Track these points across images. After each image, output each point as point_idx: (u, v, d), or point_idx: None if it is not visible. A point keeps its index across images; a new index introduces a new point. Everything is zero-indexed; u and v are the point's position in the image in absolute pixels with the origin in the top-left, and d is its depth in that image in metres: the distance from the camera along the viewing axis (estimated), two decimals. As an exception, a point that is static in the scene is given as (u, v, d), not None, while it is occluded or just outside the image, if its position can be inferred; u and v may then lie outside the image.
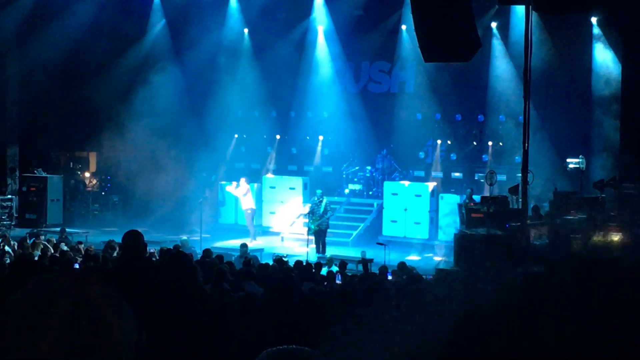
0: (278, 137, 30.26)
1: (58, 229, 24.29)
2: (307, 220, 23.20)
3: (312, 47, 29.41)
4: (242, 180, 25.83)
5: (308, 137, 29.53)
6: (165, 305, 6.47)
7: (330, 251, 21.81)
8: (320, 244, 22.34)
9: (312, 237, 22.54)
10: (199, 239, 22.53)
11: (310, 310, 7.91)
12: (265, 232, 27.08)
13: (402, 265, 15.40)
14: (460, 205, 22.58)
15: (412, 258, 21.79)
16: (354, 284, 12.28)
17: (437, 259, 21.27)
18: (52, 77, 29.35)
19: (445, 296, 1.02)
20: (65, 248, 18.17)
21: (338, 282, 12.86)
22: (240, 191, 25.69)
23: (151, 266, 7.00)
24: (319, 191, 23.10)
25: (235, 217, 27.94)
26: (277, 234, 26.63)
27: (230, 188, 26.28)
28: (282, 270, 13.35)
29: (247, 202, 25.60)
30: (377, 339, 1.04)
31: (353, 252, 21.81)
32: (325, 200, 22.77)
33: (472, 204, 20.69)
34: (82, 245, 19.09)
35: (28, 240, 19.27)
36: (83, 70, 29.35)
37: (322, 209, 22.28)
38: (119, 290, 1.49)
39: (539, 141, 22.54)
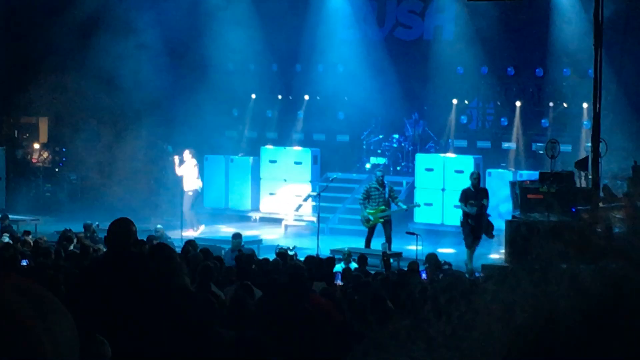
0: (280, 97, 30.18)
1: (-1, 215, 24.31)
2: (361, 207, 22.45)
3: (323, -19, 29.35)
4: (187, 154, 24.54)
5: (319, 98, 29.46)
6: (143, 311, 6.50)
7: (345, 242, 21.75)
8: (386, 239, 21.87)
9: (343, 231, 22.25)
10: (178, 229, 22.55)
11: (324, 318, 7.95)
12: (263, 219, 27.07)
13: (433, 257, 15.20)
14: (513, 184, 22.52)
15: (449, 251, 21.69)
16: (366, 284, 12.29)
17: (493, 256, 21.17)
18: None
19: (512, 303, 1.02)
20: (7, 240, 18.18)
21: (337, 282, 12.97)
22: (187, 169, 24.49)
23: (142, 264, 7.04)
24: (379, 172, 22.49)
25: (224, 199, 27.97)
26: (279, 220, 26.65)
27: (184, 166, 24.70)
28: (290, 267, 13.39)
29: (191, 182, 24.50)
30: (421, 356, 1.04)
31: (376, 244, 21.80)
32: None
33: (525, 187, 20.60)
34: (31, 237, 19.11)
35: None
36: (30, 10, 29.23)
37: (387, 193, 21.83)
38: (97, 290, 1.53)
39: (613, 101, 22.42)
